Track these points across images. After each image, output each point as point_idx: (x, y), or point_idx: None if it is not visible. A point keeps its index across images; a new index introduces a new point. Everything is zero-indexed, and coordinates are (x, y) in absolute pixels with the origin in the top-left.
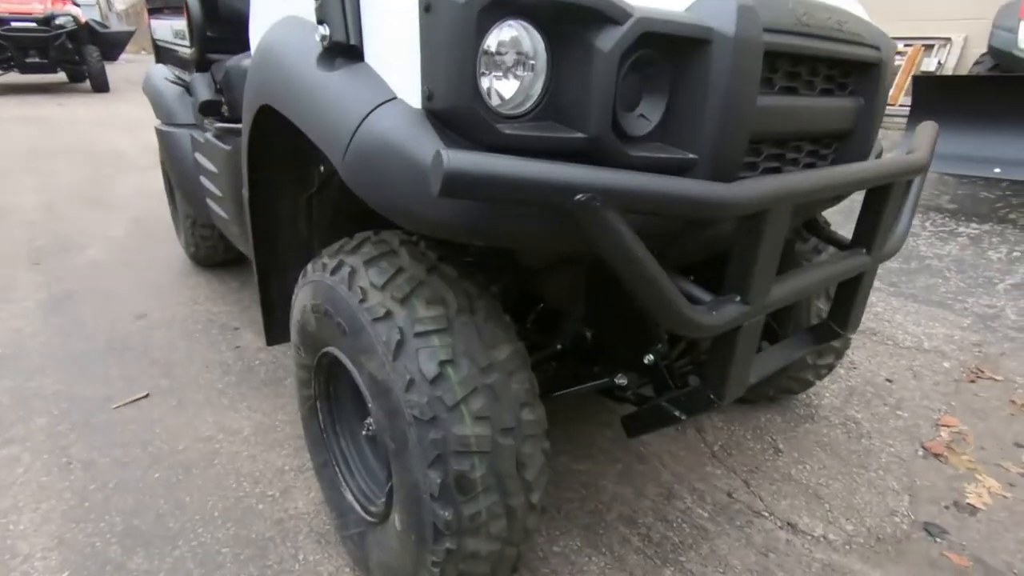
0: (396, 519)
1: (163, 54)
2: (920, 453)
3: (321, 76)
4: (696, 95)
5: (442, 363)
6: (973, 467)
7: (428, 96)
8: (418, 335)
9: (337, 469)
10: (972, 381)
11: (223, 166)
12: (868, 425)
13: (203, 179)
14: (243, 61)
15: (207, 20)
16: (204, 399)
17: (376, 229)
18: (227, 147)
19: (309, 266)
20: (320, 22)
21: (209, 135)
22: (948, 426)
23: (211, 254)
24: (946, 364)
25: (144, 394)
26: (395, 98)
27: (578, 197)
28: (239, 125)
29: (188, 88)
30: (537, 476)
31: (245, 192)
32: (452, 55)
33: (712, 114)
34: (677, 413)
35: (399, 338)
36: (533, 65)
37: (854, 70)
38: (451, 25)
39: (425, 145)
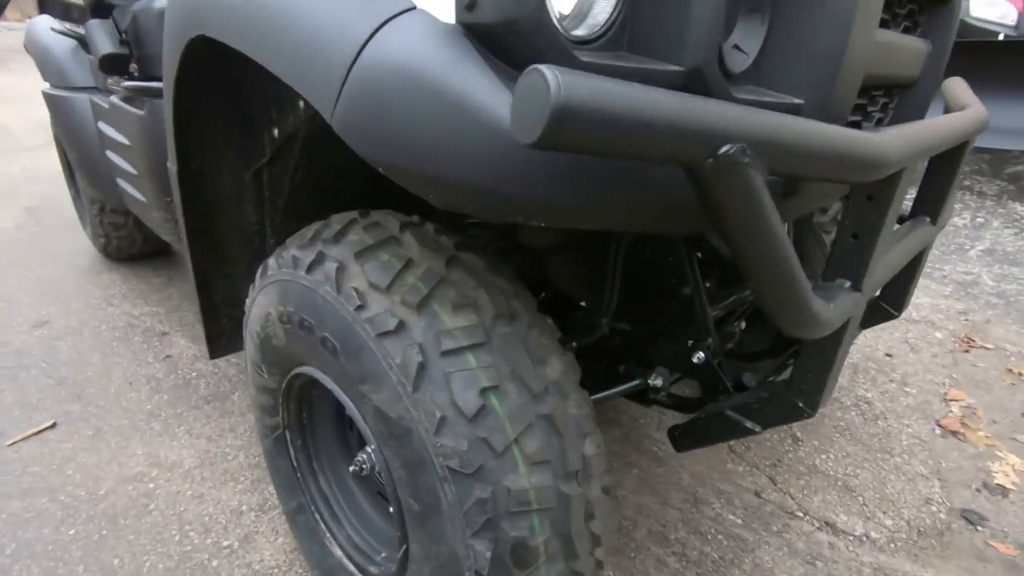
0: None
1: (48, 2)
2: (938, 432)
3: None
4: (807, 21)
5: (484, 391)
6: (991, 443)
7: (467, 4)
8: (447, 354)
9: (318, 516)
10: (966, 351)
11: (138, 136)
12: (880, 405)
13: (111, 154)
14: (155, 2)
15: None
16: (130, 425)
17: (360, 210)
18: (141, 112)
19: (271, 260)
20: None
21: (115, 99)
22: (956, 400)
23: (126, 245)
24: (938, 335)
25: (49, 423)
26: (413, 8)
27: (724, 149)
28: (157, 83)
29: (83, 41)
30: (605, 527)
31: (172, 166)
32: None
33: (828, 46)
34: (749, 425)
35: (420, 359)
36: None
37: (929, 6)
38: None
39: (474, 76)
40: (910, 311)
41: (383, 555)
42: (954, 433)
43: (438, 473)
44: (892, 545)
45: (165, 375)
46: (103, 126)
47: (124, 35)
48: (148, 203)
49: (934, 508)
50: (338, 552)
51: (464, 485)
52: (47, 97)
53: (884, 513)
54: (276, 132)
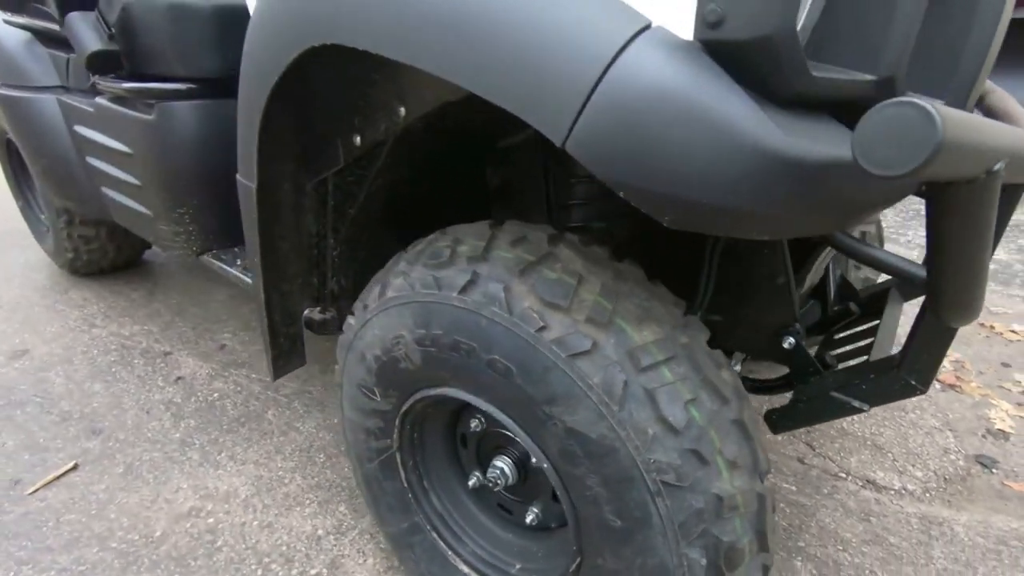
0: None
1: None
2: (938, 387)
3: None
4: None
5: (686, 404)
6: (984, 393)
7: (714, 21)
8: (645, 370)
9: (436, 535)
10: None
11: (144, 144)
12: None
13: (95, 161)
14: None
15: None
16: (163, 457)
17: (488, 222)
18: (148, 117)
19: (395, 280)
20: None
21: (103, 100)
22: (946, 356)
23: (97, 259)
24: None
25: (70, 465)
26: (651, 25)
27: (998, 165)
28: (171, 85)
29: (42, 34)
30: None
31: (250, 183)
32: None
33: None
34: (857, 404)
35: (624, 377)
36: None
37: None
38: None
39: (729, 95)
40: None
41: (518, 567)
42: (952, 386)
43: (650, 488)
44: (928, 495)
45: (184, 399)
46: (83, 130)
47: (111, 29)
48: (154, 215)
49: (952, 457)
50: (465, 568)
51: (679, 497)
52: (1, 99)
53: (913, 466)
54: (358, 139)
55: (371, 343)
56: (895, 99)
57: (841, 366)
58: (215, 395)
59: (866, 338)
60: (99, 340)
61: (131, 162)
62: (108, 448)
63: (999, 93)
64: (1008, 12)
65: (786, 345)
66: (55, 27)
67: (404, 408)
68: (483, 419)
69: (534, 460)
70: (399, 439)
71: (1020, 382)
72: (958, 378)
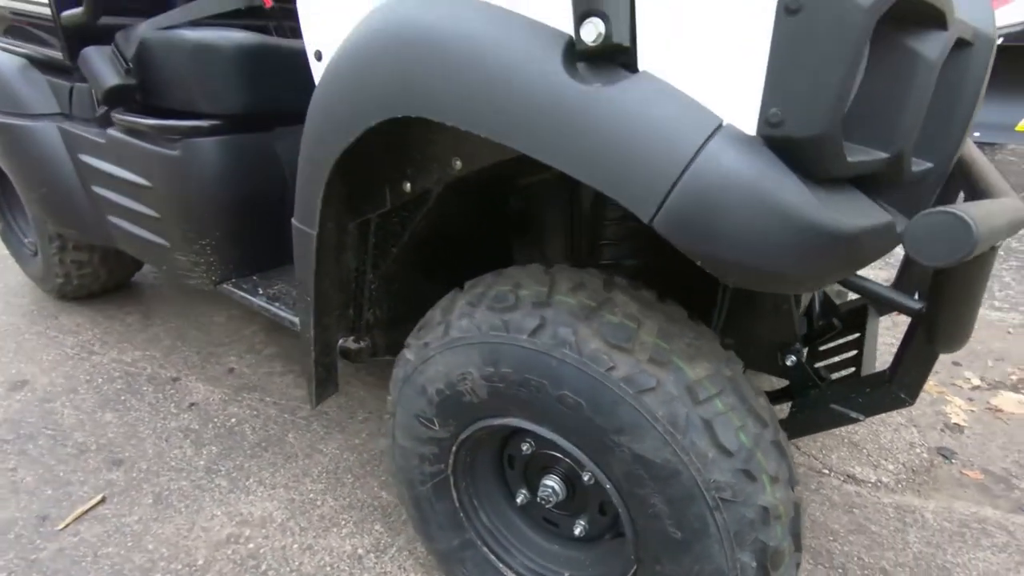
0: None
1: None
2: None
3: (583, 92)
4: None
5: (737, 430)
6: (940, 390)
7: (775, 121)
8: (701, 402)
9: (487, 549)
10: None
11: (166, 179)
12: None
13: (102, 191)
14: (182, 33)
15: None
16: (191, 486)
17: (539, 266)
18: (173, 152)
19: (460, 322)
20: (585, 16)
21: (117, 132)
22: None
23: (88, 283)
24: None
25: (97, 498)
26: (723, 123)
27: (1001, 243)
28: (196, 121)
29: (44, 61)
30: None
31: (311, 230)
32: (828, 70)
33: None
34: (854, 415)
35: (685, 411)
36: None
37: None
38: (835, 33)
39: (789, 184)
40: None
41: (566, 574)
42: None
43: (709, 504)
44: (900, 486)
45: (201, 425)
46: (90, 160)
47: (128, 63)
48: (171, 246)
49: (918, 450)
50: None
51: (733, 511)
52: None
53: (886, 460)
54: (408, 186)
55: (434, 378)
56: (940, 208)
57: (834, 376)
58: (232, 420)
59: (849, 350)
60: (101, 367)
61: (149, 195)
62: (133, 479)
63: (981, 164)
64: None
65: (788, 362)
66: (56, 55)
67: (463, 436)
68: (533, 442)
69: (585, 478)
70: (454, 463)
71: (969, 379)
72: None
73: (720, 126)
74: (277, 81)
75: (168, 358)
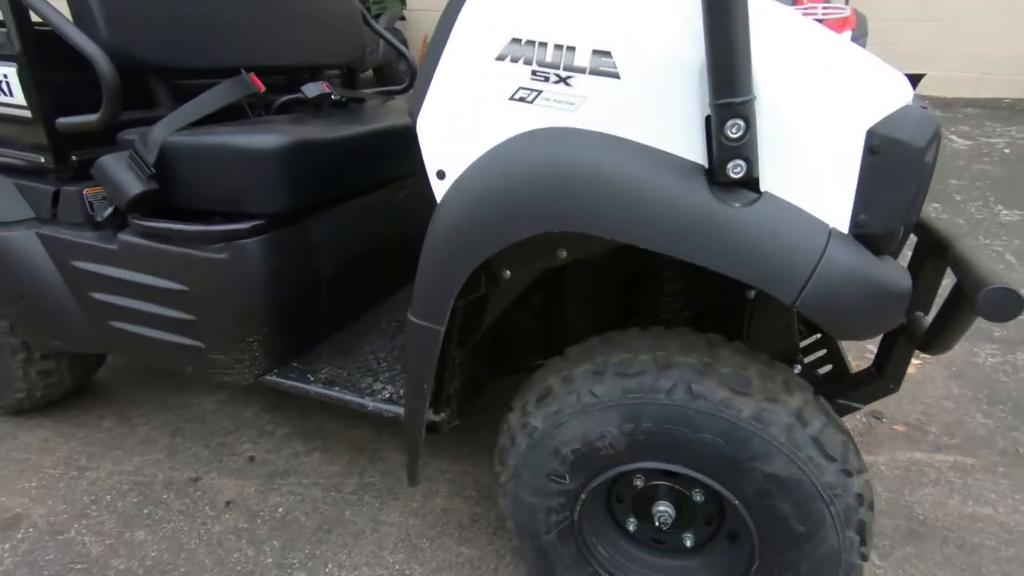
0: None
1: None
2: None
3: (729, 211)
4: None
5: (834, 440)
6: (857, 363)
7: (860, 223)
8: (807, 424)
9: (609, 574)
10: None
11: (209, 282)
12: None
13: (106, 297)
14: (219, 137)
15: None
16: None
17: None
18: (219, 255)
19: (596, 388)
20: (729, 158)
21: (133, 237)
22: None
23: (52, 393)
24: None
25: None
26: (831, 229)
27: None
28: (239, 225)
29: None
30: None
31: (438, 327)
32: (896, 189)
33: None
34: (856, 405)
35: (800, 433)
36: None
37: None
38: (901, 166)
39: (883, 270)
40: None
41: None
42: None
43: (825, 500)
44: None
45: (250, 522)
46: (90, 266)
47: (151, 170)
48: (207, 348)
49: (858, 416)
50: None
51: (842, 501)
52: None
53: None
54: (508, 274)
55: (569, 440)
56: (1001, 284)
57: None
58: (280, 510)
59: (816, 349)
60: (102, 484)
61: (184, 299)
62: None
63: (961, 244)
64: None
65: (796, 369)
66: (33, 158)
67: (594, 484)
68: (643, 477)
69: (696, 498)
70: (580, 509)
71: (873, 350)
72: None
73: (831, 232)
74: (315, 174)
75: (175, 458)
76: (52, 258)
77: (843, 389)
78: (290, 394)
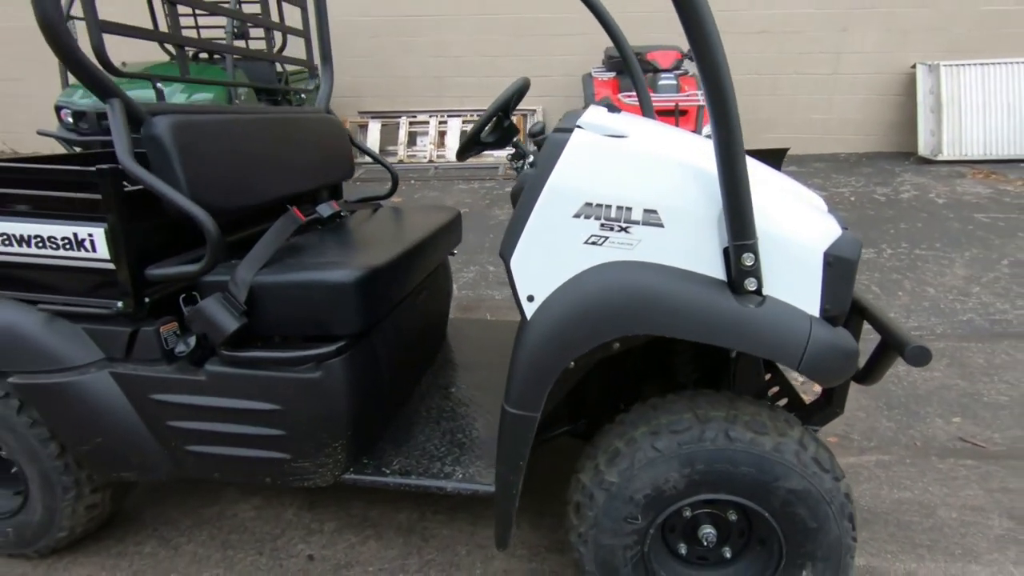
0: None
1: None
2: None
3: (745, 311)
4: None
5: (824, 457)
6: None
7: (826, 310)
8: (807, 448)
9: None
10: None
11: (303, 399)
12: None
13: (190, 424)
14: (307, 275)
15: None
16: None
17: (687, 394)
18: (313, 375)
19: (649, 445)
20: (745, 277)
21: (222, 367)
22: None
23: (92, 526)
24: None
25: None
26: (812, 317)
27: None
28: (326, 348)
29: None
30: None
31: (533, 414)
32: (844, 286)
33: None
34: (815, 428)
35: (804, 455)
36: None
37: None
38: (847, 272)
39: (844, 338)
40: None
41: None
42: None
43: (827, 501)
44: None
45: None
46: (171, 397)
47: (244, 306)
48: (291, 458)
49: None
50: None
51: (837, 500)
52: (28, 389)
53: None
54: (572, 364)
55: (640, 488)
56: (919, 344)
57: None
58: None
59: (771, 386)
60: None
61: (274, 417)
62: None
63: (874, 308)
64: None
65: None
66: (114, 304)
67: (659, 520)
68: (691, 507)
69: (731, 518)
70: (649, 544)
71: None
72: None
73: (812, 319)
74: (382, 295)
75: (235, 570)
76: (127, 394)
77: (805, 416)
78: (369, 488)
